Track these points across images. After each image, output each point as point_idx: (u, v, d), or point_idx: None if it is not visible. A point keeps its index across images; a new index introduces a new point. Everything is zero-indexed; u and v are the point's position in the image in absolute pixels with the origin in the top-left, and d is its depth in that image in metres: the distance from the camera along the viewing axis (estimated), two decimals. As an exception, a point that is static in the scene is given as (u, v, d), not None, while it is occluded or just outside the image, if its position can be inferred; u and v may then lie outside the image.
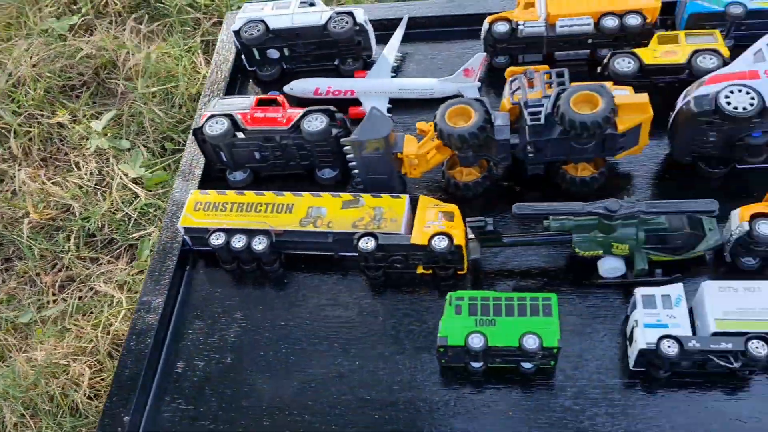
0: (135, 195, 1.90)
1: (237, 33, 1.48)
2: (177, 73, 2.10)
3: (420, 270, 1.20)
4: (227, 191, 1.28)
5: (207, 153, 1.36)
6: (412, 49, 1.55)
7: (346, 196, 1.24)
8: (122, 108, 2.10)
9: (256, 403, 1.11)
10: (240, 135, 1.31)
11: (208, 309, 1.23)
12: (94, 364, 1.62)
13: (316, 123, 1.27)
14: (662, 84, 1.32)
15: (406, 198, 1.22)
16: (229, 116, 1.30)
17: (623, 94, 1.18)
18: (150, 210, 1.88)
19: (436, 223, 1.16)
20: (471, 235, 1.16)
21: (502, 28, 1.39)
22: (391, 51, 1.50)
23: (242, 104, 1.33)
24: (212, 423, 1.10)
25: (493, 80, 1.44)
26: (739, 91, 1.13)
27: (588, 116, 1.11)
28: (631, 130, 1.18)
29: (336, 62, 1.52)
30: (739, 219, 1.08)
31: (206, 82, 1.56)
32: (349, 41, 1.47)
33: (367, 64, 1.51)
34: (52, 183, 1.96)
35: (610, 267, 1.13)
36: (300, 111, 1.29)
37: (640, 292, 1.05)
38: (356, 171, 1.27)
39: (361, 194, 1.24)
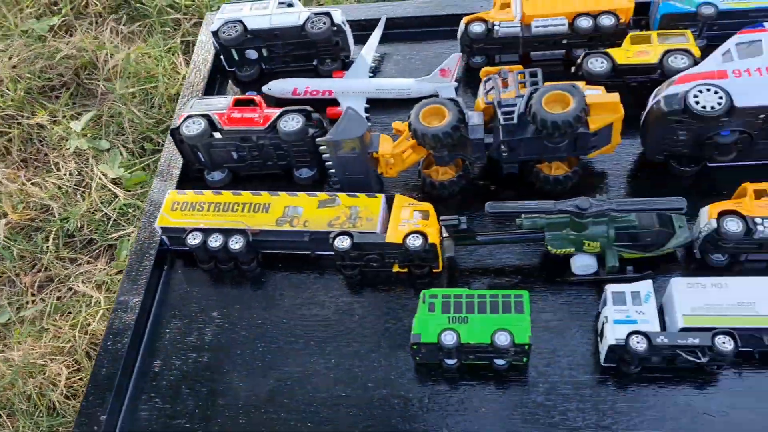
0: (114, 195, 1.90)
1: (215, 33, 1.48)
2: (157, 73, 2.09)
3: (396, 268, 1.21)
4: (204, 191, 1.29)
5: (185, 153, 1.37)
6: (391, 50, 1.57)
7: (323, 195, 1.25)
8: (102, 108, 2.09)
9: (233, 401, 1.12)
10: (217, 135, 1.31)
11: (185, 308, 1.23)
12: (72, 364, 1.62)
13: (292, 123, 1.28)
14: (635, 84, 1.34)
15: (381, 197, 1.23)
16: (206, 116, 1.30)
17: (595, 94, 1.20)
18: (129, 210, 1.88)
19: (411, 222, 1.17)
20: (445, 234, 1.17)
21: (478, 28, 1.41)
22: (369, 51, 1.50)
23: (219, 104, 1.34)
24: (189, 421, 1.11)
25: (470, 80, 1.46)
26: (708, 90, 1.14)
27: (559, 115, 1.13)
28: (602, 129, 1.19)
29: (314, 62, 1.53)
30: (707, 216, 1.10)
31: (185, 83, 1.57)
32: (327, 42, 1.48)
33: (346, 65, 1.52)
34: (32, 184, 1.96)
35: (583, 264, 1.15)
36: (277, 111, 1.30)
37: (610, 288, 1.06)
38: (333, 171, 1.28)
39: (338, 194, 1.25)
